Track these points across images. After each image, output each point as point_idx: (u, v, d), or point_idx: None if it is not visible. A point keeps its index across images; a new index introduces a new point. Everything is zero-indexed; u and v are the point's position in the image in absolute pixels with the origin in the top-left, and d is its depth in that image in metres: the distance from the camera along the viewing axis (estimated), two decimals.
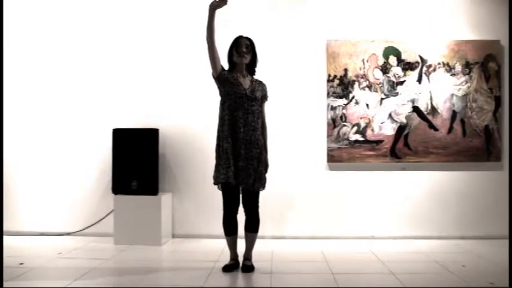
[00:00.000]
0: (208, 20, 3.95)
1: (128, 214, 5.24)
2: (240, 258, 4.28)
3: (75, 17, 5.74)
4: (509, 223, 4.97)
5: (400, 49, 5.60)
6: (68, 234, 5.61)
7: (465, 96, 5.59)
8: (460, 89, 5.60)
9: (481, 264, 4.45)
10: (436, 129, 5.58)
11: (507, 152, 5.57)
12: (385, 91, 5.60)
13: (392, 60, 5.60)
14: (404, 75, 5.60)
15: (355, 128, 5.58)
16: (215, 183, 4.11)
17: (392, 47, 5.60)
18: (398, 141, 5.58)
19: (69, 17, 5.74)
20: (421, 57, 5.60)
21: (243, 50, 4.11)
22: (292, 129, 5.58)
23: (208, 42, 3.99)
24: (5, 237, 5.22)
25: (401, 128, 5.59)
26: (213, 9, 3.93)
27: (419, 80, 5.60)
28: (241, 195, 4.14)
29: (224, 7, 3.95)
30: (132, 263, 4.50)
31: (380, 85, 5.60)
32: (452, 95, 5.59)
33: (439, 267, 4.31)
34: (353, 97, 5.59)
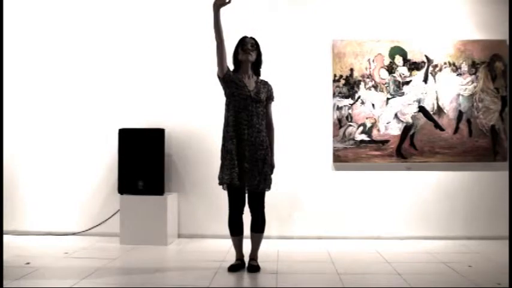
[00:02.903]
0: (214, 20, 3.95)
1: (134, 214, 5.25)
2: (246, 258, 4.27)
3: (82, 18, 5.75)
4: (509, 223, 4.93)
5: (406, 49, 5.58)
6: (75, 234, 5.62)
7: (471, 96, 5.57)
8: (466, 88, 5.57)
9: (487, 265, 4.43)
10: (442, 129, 5.55)
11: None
12: (391, 91, 5.58)
13: (398, 60, 5.58)
14: (410, 75, 5.58)
15: (361, 128, 5.56)
16: (220, 184, 4.11)
17: (398, 47, 5.58)
18: (404, 141, 5.56)
19: (76, 19, 5.75)
20: (427, 57, 5.57)
21: (249, 48, 4.11)
22: (298, 129, 5.57)
23: (217, 41, 3.99)
24: (12, 237, 5.27)
25: (407, 128, 5.56)
26: (216, 8, 3.94)
27: (425, 80, 5.57)
28: (246, 196, 4.14)
29: (228, 6, 3.94)
30: (138, 262, 4.50)
31: (386, 85, 5.58)
32: (458, 94, 5.57)
33: (445, 268, 4.29)
34: (359, 97, 5.57)
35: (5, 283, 3.76)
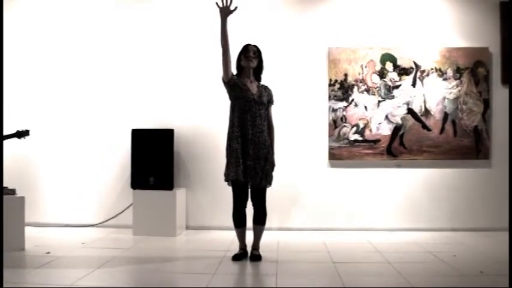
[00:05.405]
0: (221, 27, 3.96)
1: (146, 207, 5.26)
2: (249, 248, 4.28)
3: (96, 25, 5.76)
4: (509, 221, 4.84)
5: (396, 55, 5.58)
6: (91, 225, 5.64)
7: (456, 99, 5.57)
8: (451, 92, 5.57)
9: (470, 254, 4.43)
10: (429, 130, 5.56)
11: (496, 151, 5.54)
12: (382, 94, 5.58)
13: (389, 66, 5.58)
14: (400, 79, 5.58)
15: (355, 129, 5.57)
16: (226, 180, 4.12)
17: (388, 54, 5.59)
18: (394, 141, 5.56)
19: (91, 27, 5.77)
20: (415, 63, 5.57)
21: (251, 55, 4.12)
22: (297, 129, 5.57)
23: (222, 48, 3.99)
24: (33, 228, 5.27)
25: (397, 129, 5.57)
26: (224, 16, 3.94)
27: (414, 84, 5.58)
28: (249, 191, 4.15)
29: (234, 13, 3.95)
30: (150, 252, 4.51)
31: (377, 89, 5.58)
32: (444, 98, 5.57)
33: (431, 257, 4.30)
34: (352, 100, 5.58)
35: (27, 271, 3.81)
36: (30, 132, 4.67)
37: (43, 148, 5.74)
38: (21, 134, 4.61)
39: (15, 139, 4.60)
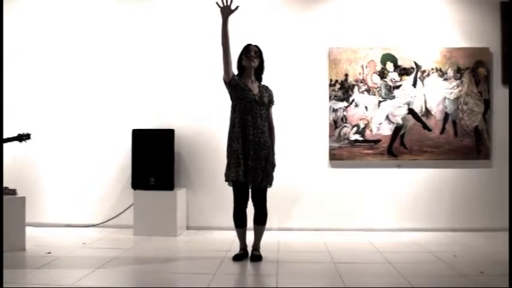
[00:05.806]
0: (222, 27, 3.95)
1: (146, 208, 5.26)
2: (249, 249, 4.28)
3: (96, 25, 5.77)
4: (509, 221, 4.83)
5: (397, 56, 5.58)
6: (92, 226, 5.64)
7: (457, 99, 5.56)
8: (452, 92, 5.57)
9: (471, 255, 4.42)
10: (429, 130, 5.56)
11: (496, 151, 5.54)
12: (383, 95, 5.58)
13: (389, 66, 5.58)
14: (401, 80, 5.58)
15: (355, 129, 5.56)
16: (226, 181, 4.12)
17: (389, 54, 5.58)
18: (395, 141, 5.56)
19: (91, 26, 5.77)
20: (415, 63, 5.57)
21: (252, 55, 4.11)
22: (297, 130, 5.57)
23: (223, 48, 3.98)
24: (34, 228, 5.29)
25: (397, 129, 5.57)
26: (225, 16, 3.93)
27: (414, 84, 5.57)
28: (250, 191, 4.14)
29: (235, 13, 3.95)
30: (150, 252, 4.52)
31: (378, 89, 5.58)
32: (444, 98, 5.57)
33: (432, 257, 4.30)
34: (353, 100, 5.58)
35: (28, 271, 3.82)
36: (31, 136, 4.68)
37: (44, 148, 5.74)
38: (22, 137, 4.62)
39: (16, 142, 4.61)
